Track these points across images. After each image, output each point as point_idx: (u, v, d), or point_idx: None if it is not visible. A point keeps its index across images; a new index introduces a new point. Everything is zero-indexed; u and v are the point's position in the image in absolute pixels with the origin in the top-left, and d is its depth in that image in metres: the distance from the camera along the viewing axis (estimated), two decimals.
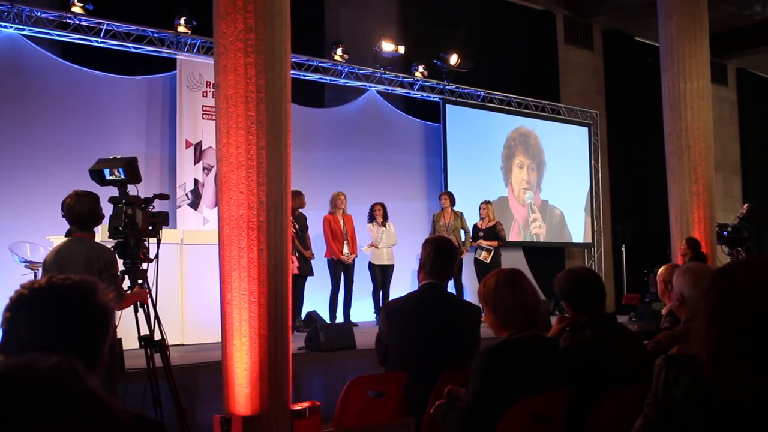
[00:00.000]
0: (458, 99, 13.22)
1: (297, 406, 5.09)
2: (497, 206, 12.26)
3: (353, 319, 10.06)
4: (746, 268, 1.90)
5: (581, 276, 3.74)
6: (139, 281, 4.92)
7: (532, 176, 14.18)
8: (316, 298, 10.47)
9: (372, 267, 10.45)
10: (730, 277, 1.90)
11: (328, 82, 11.89)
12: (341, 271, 10.09)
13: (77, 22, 9.37)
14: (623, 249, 14.98)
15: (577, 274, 3.76)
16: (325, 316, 9.91)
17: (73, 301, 1.79)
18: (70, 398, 1.04)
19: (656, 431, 2.07)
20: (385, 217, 10.53)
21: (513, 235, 13.56)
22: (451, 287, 10.35)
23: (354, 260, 10.19)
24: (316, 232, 10.26)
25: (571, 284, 3.67)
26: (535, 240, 14.16)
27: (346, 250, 10.07)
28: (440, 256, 4.16)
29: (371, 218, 10.57)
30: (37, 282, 1.82)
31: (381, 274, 10.41)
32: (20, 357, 1.07)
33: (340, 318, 10.06)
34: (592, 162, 15.19)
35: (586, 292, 3.65)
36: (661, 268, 4.84)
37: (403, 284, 10.68)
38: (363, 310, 10.53)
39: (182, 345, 7.84)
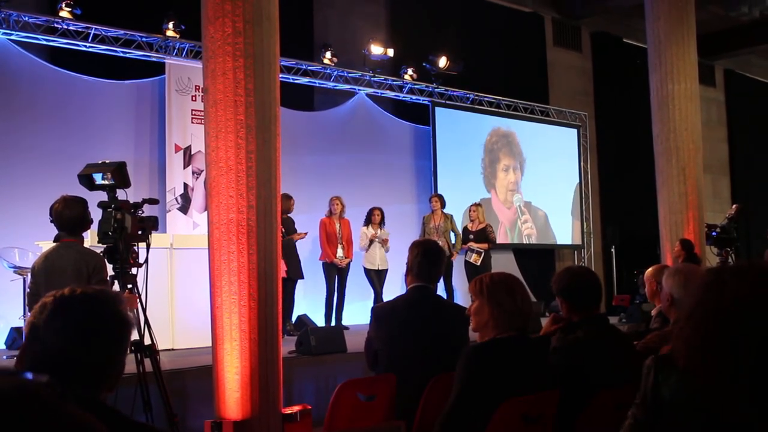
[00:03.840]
0: (447, 101, 13.24)
1: (288, 410, 5.08)
2: None
3: (345, 322, 10.06)
4: (734, 272, 1.92)
5: (578, 275, 3.72)
6: (129, 286, 4.90)
7: (517, 176, 14.20)
8: (310, 302, 10.47)
9: (368, 272, 10.46)
10: (716, 278, 1.91)
11: (317, 85, 11.90)
12: (335, 274, 10.10)
13: (65, 26, 9.34)
14: (613, 250, 15.03)
15: (574, 273, 3.75)
16: (319, 319, 9.91)
17: (96, 308, 1.85)
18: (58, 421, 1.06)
19: (644, 431, 2.08)
20: (382, 222, 10.58)
21: (500, 237, 13.57)
22: (441, 290, 10.39)
23: (348, 264, 10.20)
24: (312, 234, 10.26)
25: (568, 282, 3.65)
26: (526, 241, 14.18)
27: (340, 253, 10.08)
28: (427, 258, 4.17)
29: (367, 221, 10.58)
30: (60, 292, 1.86)
31: (377, 279, 10.44)
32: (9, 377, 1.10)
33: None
34: (581, 163, 15.23)
35: (581, 291, 3.63)
36: (649, 269, 4.86)
37: (394, 287, 10.69)
38: (356, 314, 10.52)
39: (172, 350, 7.81)
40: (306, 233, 9.78)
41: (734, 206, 11.81)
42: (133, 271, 4.97)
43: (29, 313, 1.96)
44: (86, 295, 1.85)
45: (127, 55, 9.96)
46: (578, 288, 3.63)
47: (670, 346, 2.02)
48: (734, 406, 1.81)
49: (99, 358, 1.83)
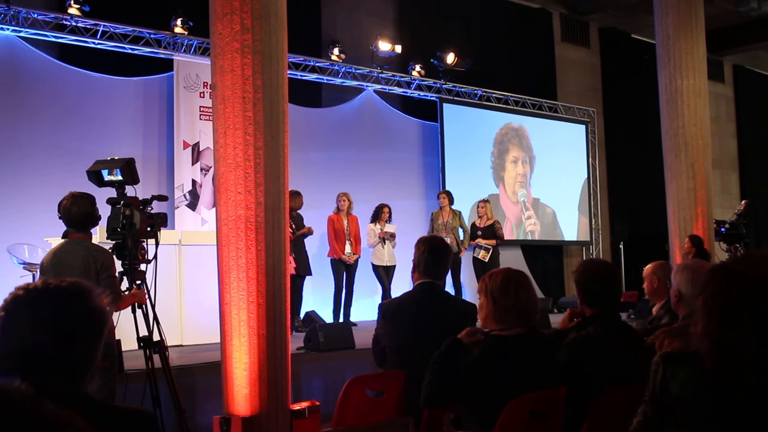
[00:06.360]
0: (455, 98, 13.23)
1: (296, 406, 5.09)
2: None
3: (353, 318, 10.07)
4: (744, 261, 1.92)
5: (592, 269, 3.68)
6: (137, 282, 4.91)
7: (526, 169, 14.17)
8: (318, 299, 10.48)
9: (376, 268, 10.46)
10: (729, 270, 1.91)
11: (325, 81, 11.90)
12: (343, 270, 10.10)
13: (74, 23, 9.36)
14: (621, 246, 14.99)
15: (591, 267, 3.71)
16: (327, 315, 9.91)
17: (68, 302, 1.83)
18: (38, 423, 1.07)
19: (654, 428, 2.08)
20: (389, 219, 10.58)
21: (506, 233, 13.54)
22: (449, 286, 10.38)
23: (356, 261, 10.20)
24: (320, 231, 10.26)
25: (585, 276, 3.63)
26: (529, 238, 14.16)
27: (348, 249, 10.08)
28: (433, 255, 4.18)
29: (375, 218, 10.55)
30: (33, 284, 1.86)
31: (385, 275, 10.44)
32: None
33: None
34: (590, 160, 15.20)
35: (594, 286, 3.59)
36: (648, 267, 4.84)
37: (403, 283, 10.67)
38: (364, 310, 10.53)
39: (181, 346, 7.85)
40: (311, 228, 9.75)
41: (743, 202, 11.77)
42: (142, 267, 4.98)
43: None
44: (59, 288, 1.83)
45: (136, 52, 9.98)
46: (591, 283, 3.59)
47: (680, 344, 2.02)
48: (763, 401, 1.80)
49: (74, 351, 1.81)
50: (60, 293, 1.83)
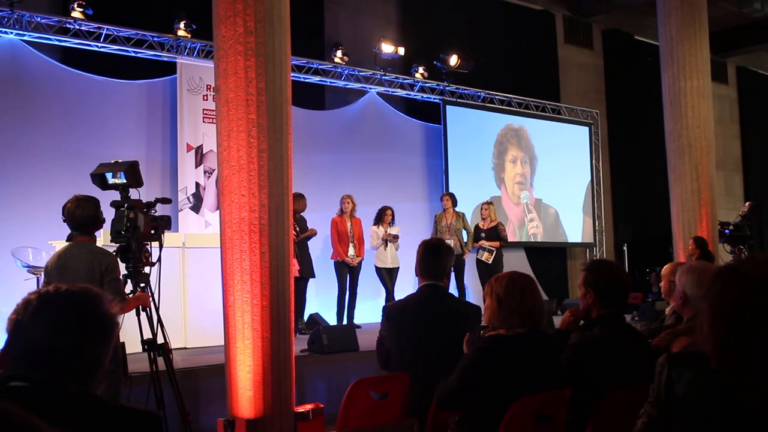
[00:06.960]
0: (458, 100, 13.23)
1: (300, 409, 5.09)
2: None
3: (357, 321, 10.06)
4: (749, 263, 1.92)
5: (608, 270, 3.66)
6: (141, 285, 4.91)
7: (526, 170, 14.15)
8: (322, 301, 10.47)
9: (379, 271, 10.45)
10: (734, 271, 1.91)
11: (328, 84, 11.91)
12: (347, 273, 10.10)
13: (77, 27, 9.38)
14: (625, 248, 14.97)
15: (605, 268, 3.70)
16: (331, 317, 9.91)
17: (78, 307, 1.87)
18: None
19: (658, 429, 2.08)
20: (392, 221, 10.57)
21: (509, 235, 13.53)
22: (453, 288, 10.37)
23: (360, 263, 10.20)
24: (323, 233, 10.26)
25: (599, 276, 3.61)
26: (532, 240, 14.14)
27: (351, 252, 10.08)
28: (430, 254, 4.21)
29: (378, 221, 10.55)
30: (45, 289, 1.90)
31: (388, 277, 10.43)
32: None
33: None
34: (593, 161, 15.18)
35: (603, 286, 3.57)
36: (666, 266, 4.82)
37: (406, 286, 10.67)
38: (368, 312, 10.52)
39: (185, 348, 7.85)
40: (315, 230, 9.75)
41: (747, 203, 11.75)
42: (146, 270, 4.98)
43: None
44: (70, 293, 1.87)
45: (139, 55, 9.99)
46: (599, 283, 3.55)
47: (685, 344, 2.02)
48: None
49: (83, 354, 1.85)
50: (71, 298, 1.87)
